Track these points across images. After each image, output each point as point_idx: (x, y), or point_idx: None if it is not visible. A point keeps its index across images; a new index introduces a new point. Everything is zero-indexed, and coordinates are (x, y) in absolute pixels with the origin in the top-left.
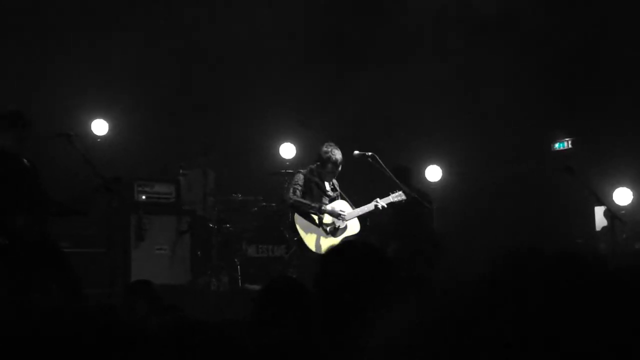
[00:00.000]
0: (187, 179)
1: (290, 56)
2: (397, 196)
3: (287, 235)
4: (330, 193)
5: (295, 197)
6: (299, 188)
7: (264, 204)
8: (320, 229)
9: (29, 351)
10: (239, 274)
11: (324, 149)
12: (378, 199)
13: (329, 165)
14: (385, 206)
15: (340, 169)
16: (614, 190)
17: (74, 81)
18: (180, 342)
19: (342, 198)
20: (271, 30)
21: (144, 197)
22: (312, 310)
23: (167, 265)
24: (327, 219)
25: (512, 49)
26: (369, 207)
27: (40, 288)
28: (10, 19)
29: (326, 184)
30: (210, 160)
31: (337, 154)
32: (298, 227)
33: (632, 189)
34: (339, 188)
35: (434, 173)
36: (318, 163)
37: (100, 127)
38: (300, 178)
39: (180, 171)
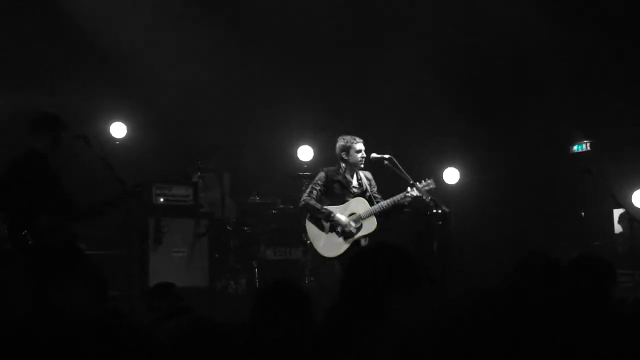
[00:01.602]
0: (205, 181)
1: (308, 59)
2: (427, 185)
3: (305, 238)
4: (356, 189)
5: (307, 199)
6: (317, 188)
7: (282, 206)
8: (331, 232)
9: (43, 350)
10: (257, 276)
11: (342, 138)
12: (409, 189)
13: (353, 153)
14: (418, 194)
15: (373, 155)
16: (632, 193)
17: (92, 83)
18: (187, 343)
19: (365, 196)
20: (289, 32)
21: (162, 199)
22: (330, 313)
23: (185, 267)
24: (337, 221)
25: (529, 49)
26: (391, 201)
27: (63, 289)
28: (28, 20)
29: (353, 179)
30: (226, 163)
31: (358, 140)
32: (307, 230)
33: None
34: (371, 181)
35: (452, 175)
36: (343, 156)
37: (118, 129)
38: (322, 177)
39: (198, 173)
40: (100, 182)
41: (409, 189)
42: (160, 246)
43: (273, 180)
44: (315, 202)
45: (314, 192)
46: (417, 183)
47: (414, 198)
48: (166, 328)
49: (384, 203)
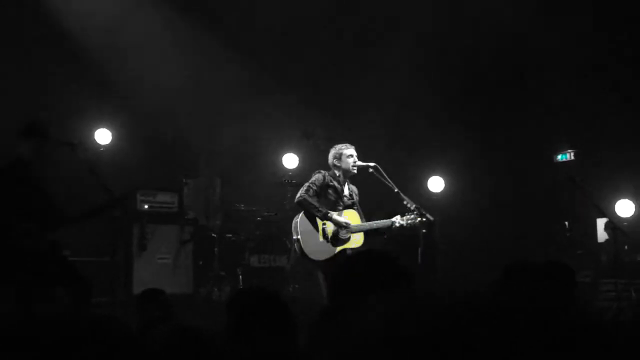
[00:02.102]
0: (191, 188)
1: (294, 67)
2: (412, 219)
3: (289, 246)
4: (346, 199)
5: (305, 196)
6: (314, 187)
7: (267, 214)
8: (321, 234)
9: (30, 357)
10: (241, 283)
11: (334, 147)
12: (398, 217)
13: (344, 158)
14: (404, 225)
15: (358, 163)
16: (616, 202)
17: (77, 90)
18: (172, 351)
19: (357, 209)
20: (275, 39)
21: (146, 206)
22: (317, 322)
23: (169, 274)
24: (330, 226)
25: (515, 59)
26: (381, 224)
27: (47, 296)
28: (15, 27)
29: (345, 189)
30: (216, 169)
31: (349, 146)
32: (300, 227)
33: (634, 201)
34: (358, 197)
35: (436, 184)
36: (335, 163)
37: (103, 136)
38: (319, 178)
39: (184, 180)
40: (86, 189)
41: (396, 219)
42: (144, 253)
43: (258, 188)
44: (312, 199)
45: (311, 190)
46: (404, 216)
47: (399, 227)
48: (151, 335)
49: (373, 223)
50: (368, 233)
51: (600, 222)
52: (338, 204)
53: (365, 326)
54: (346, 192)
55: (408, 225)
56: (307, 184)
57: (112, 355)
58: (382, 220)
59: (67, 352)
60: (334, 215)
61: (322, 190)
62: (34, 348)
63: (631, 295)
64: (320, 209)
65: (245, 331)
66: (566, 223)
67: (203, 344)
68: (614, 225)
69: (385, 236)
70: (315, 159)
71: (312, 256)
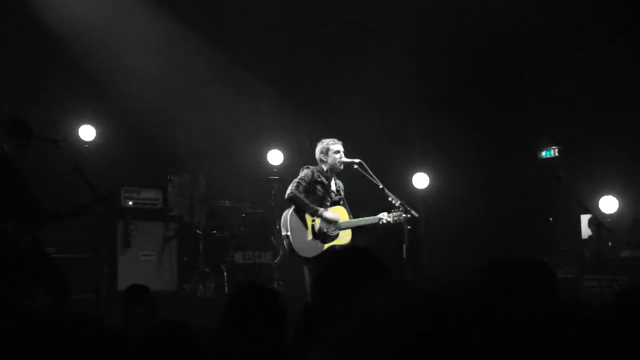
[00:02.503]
0: (175, 184)
1: (279, 63)
2: (398, 216)
3: (274, 242)
4: (334, 195)
5: (295, 192)
6: (303, 184)
7: (251, 210)
8: (310, 231)
9: (10, 354)
10: (226, 280)
11: (321, 142)
12: (385, 214)
13: (331, 154)
14: (391, 222)
15: (343, 159)
16: (599, 199)
17: (61, 86)
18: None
19: (344, 205)
20: (261, 36)
21: (130, 203)
22: (302, 318)
23: (154, 271)
24: (319, 223)
25: (500, 57)
26: (369, 220)
27: (29, 293)
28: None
29: (332, 184)
30: (200, 166)
31: (336, 141)
32: (289, 224)
33: (617, 197)
34: (344, 193)
35: (421, 180)
36: (322, 158)
37: (87, 132)
38: (308, 174)
39: (168, 177)
40: (70, 186)
41: (382, 216)
42: (128, 249)
43: (242, 184)
44: (303, 195)
45: (301, 187)
46: (391, 212)
47: (386, 223)
48: (135, 331)
49: (361, 220)
50: (355, 229)
51: (584, 219)
52: (326, 199)
53: (359, 323)
54: (333, 187)
55: (395, 222)
56: (296, 179)
57: (87, 352)
58: (369, 217)
59: (41, 350)
60: (324, 211)
61: (311, 186)
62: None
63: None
64: (310, 205)
65: (243, 328)
66: (550, 219)
67: (194, 340)
68: (597, 221)
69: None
70: (300, 155)
71: (302, 253)
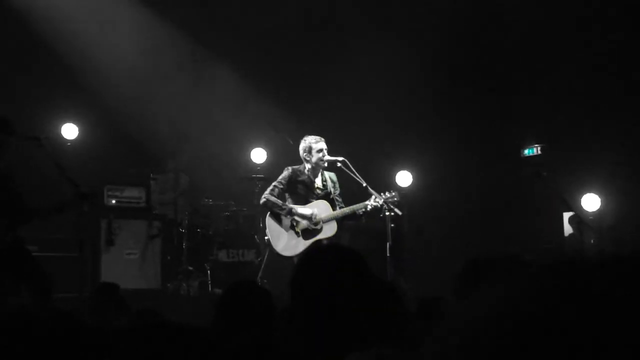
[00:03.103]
0: (158, 183)
1: (263, 60)
2: (392, 197)
3: (258, 240)
4: (320, 190)
5: (267, 196)
6: (280, 186)
7: (235, 208)
8: (291, 230)
9: None
10: (209, 278)
11: (304, 139)
12: (372, 198)
13: (314, 153)
14: (379, 205)
15: (326, 157)
16: (582, 196)
17: (43, 84)
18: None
19: (332, 199)
20: (244, 31)
21: (114, 201)
22: (286, 313)
23: (137, 269)
24: (299, 220)
25: (482, 56)
26: (354, 208)
27: (12, 290)
28: None
29: (318, 179)
30: (182, 164)
31: (319, 139)
32: (267, 228)
33: (599, 195)
34: (338, 185)
35: (404, 178)
36: (305, 157)
37: (70, 131)
38: (285, 176)
39: (151, 175)
40: (52, 185)
41: (371, 199)
42: (112, 248)
43: (226, 183)
44: (276, 198)
45: (276, 190)
46: (383, 194)
47: (374, 208)
48: (116, 327)
49: (346, 209)
50: (342, 221)
51: (567, 216)
52: (309, 196)
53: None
54: (319, 183)
55: (383, 205)
56: (273, 183)
57: (67, 351)
58: (354, 205)
59: (22, 347)
60: (298, 209)
61: (291, 185)
62: None
63: None
64: (283, 206)
65: (235, 325)
66: (533, 217)
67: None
68: (579, 219)
69: (363, 218)
70: (284, 154)
71: (285, 253)
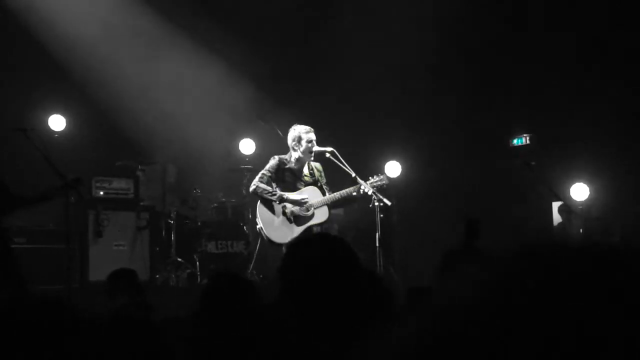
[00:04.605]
0: (146, 174)
1: (253, 51)
2: (380, 180)
3: (247, 231)
4: (308, 178)
5: (257, 183)
6: (268, 174)
7: (224, 199)
8: (283, 217)
9: None
10: (198, 269)
11: (294, 128)
12: (362, 184)
13: (303, 143)
14: (368, 190)
15: (315, 148)
16: (571, 186)
17: (30, 76)
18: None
19: (316, 185)
20: (234, 20)
21: (102, 193)
22: (277, 303)
23: (126, 261)
24: (291, 207)
25: (470, 45)
26: (343, 193)
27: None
28: None
29: (305, 168)
30: (170, 156)
31: (309, 130)
32: (259, 215)
33: (588, 184)
34: (324, 173)
35: (394, 169)
36: (294, 146)
37: (57, 122)
38: (273, 164)
39: (139, 167)
40: (39, 175)
41: (361, 184)
42: (100, 239)
43: (214, 174)
44: (265, 185)
45: (265, 177)
46: (370, 177)
47: (364, 193)
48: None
49: (336, 194)
50: (335, 206)
51: (555, 206)
52: (298, 184)
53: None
54: (306, 171)
55: (372, 196)
56: (261, 172)
57: (56, 338)
58: (345, 190)
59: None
60: (290, 195)
61: (279, 174)
62: None
63: None
64: (273, 192)
65: (218, 317)
66: (521, 206)
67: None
68: (568, 208)
69: (355, 204)
70: (272, 144)
71: (277, 240)
